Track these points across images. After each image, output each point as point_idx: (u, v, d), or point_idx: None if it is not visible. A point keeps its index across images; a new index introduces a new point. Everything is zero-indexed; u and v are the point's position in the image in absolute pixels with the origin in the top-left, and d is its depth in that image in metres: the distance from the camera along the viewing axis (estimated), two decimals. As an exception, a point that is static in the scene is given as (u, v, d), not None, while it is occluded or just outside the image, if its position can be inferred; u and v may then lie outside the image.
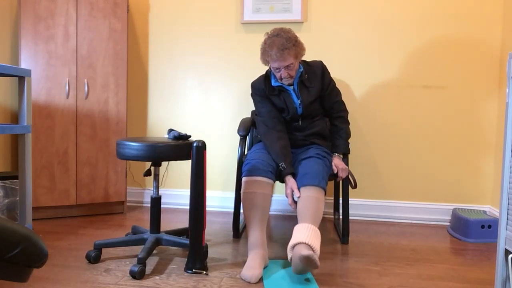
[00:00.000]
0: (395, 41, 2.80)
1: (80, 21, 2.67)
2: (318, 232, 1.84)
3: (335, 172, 2.17)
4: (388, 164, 2.85)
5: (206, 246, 1.97)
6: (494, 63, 2.70)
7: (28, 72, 2.13)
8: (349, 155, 2.56)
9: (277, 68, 2.09)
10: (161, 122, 3.11)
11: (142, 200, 3.16)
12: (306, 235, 1.77)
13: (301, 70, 2.21)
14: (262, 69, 2.95)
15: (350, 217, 2.89)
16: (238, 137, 3.02)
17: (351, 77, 2.86)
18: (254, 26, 2.94)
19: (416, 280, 1.80)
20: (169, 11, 3.05)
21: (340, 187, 2.78)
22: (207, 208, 3.07)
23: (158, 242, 1.96)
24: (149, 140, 1.95)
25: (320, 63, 2.30)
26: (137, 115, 3.14)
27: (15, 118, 2.85)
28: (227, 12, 2.98)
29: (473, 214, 2.51)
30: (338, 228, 2.56)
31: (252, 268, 1.77)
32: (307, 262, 1.65)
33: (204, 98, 3.04)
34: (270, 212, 3.00)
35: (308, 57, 2.90)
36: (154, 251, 2.12)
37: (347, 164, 2.35)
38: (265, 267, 1.89)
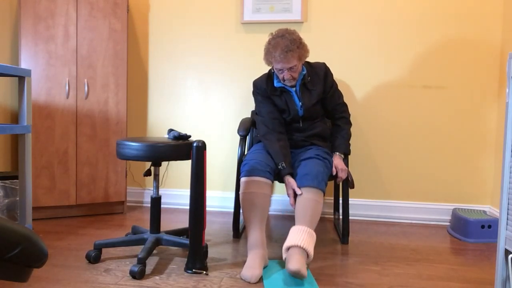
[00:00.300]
0: (395, 41, 2.80)
1: (80, 21, 2.67)
2: (314, 235, 1.86)
3: (335, 173, 2.15)
4: (388, 164, 2.85)
5: (206, 246, 1.97)
6: (494, 63, 2.70)
7: (28, 72, 2.13)
8: (349, 155, 2.56)
9: (280, 70, 2.09)
10: (161, 122, 3.11)
11: (142, 200, 3.16)
12: (301, 238, 1.79)
13: (304, 72, 2.20)
14: (262, 69, 2.95)
15: (350, 217, 2.89)
16: (238, 137, 3.02)
17: (351, 77, 2.86)
18: (254, 26, 2.94)
19: (416, 280, 1.80)
20: (169, 11, 3.05)
21: (340, 187, 2.78)
22: (207, 208, 3.07)
23: (158, 242, 1.96)
24: (149, 140, 1.95)
25: (323, 65, 2.29)
26: (137, 115, 3.14)
27: (15, 118, 2.85)
28: (227, 12, 2.98)
29: (473, 214, 2.51)
30: (338, 228, 2.56)
31: (252, 268, 1.77)
32: (295, 275, 1.68)
33: (204, 98, 3.04)
34: (270, 212, 3.00)
35: (308, 57, 2.90)
36: (154, 251, 2.12)
37: (347, 164, 2.35)
38: (265, 267, 1.90)
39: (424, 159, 2.81)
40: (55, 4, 2.61)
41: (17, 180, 2.41)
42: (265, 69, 2.94)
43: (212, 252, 2.12)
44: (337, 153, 2.25)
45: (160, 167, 3.11)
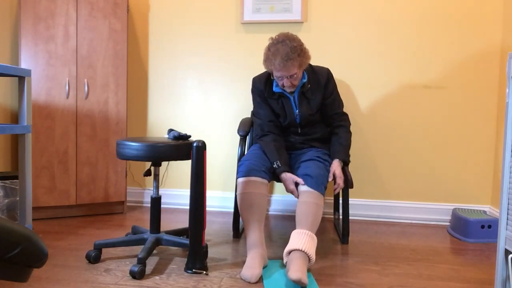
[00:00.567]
0: (395, 41, 2.80)
1: (80, 21, 2.67)
2: (315, 238, 1.85)
3: (331, 179, 2.08)
4: (388, 164, 2.85)
5: (206, 246, 1.97)
6: (494, 63, 2.70)
7: (28, 72, 2.13)
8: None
9: (279, 77, 2.04)
10: (161, 122, 3.11)
11: (142, 200, 3.16)
12: (302, 242, 1.78)
13: (304, 80, 2.13)
14: (262, 69, 2.95)
15: (350, 217, 2.89)
16: (238, 137, 3.02)
17: (351, 77, 2.86)
18: (254, 26, 2.94)
19: (416, 280, 1.80)
20: (169, 11, 3.05)
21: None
22: (207, 208, 3.07)
23: (158, 242, 1.96)
24: (149, 140, 1.95)
25: (327, 71, 2.22)
26: (137, 115, 3.14)
27: (15, 118, 2.85)
28: (227, 12, 2.98)
29: (473, 214, 2.51)
30: (338, 228, 2.56)
31: (251, 267, 1.77)
32: (295, 283, 1.66)
33: (204, 98, 3.04)
34: (270, 212, 3.00)
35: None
36: (154, 251, 2.12)
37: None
38: (264, 267, 1.90)
39: (424, 159, 2.81)
40: (55, 4, 2.61)
41: (17, 180, 2.41)
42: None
43: (212, 252, 2.12)
44: (336, 159, 2.16)
45: (160, 167, 3.11)
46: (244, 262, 1.97)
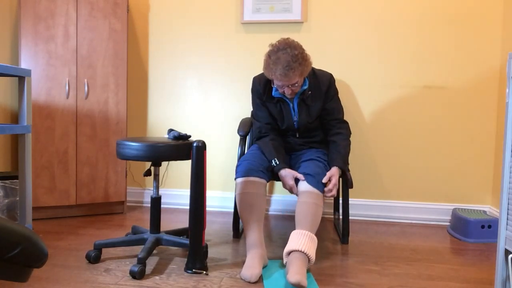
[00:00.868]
0: (395, 41, 2.80)
1: (80, 21, 2.67)
2: (315, 238, 1.85)
3: (325, 181, 1.98)
4: (388, 164, 2.85)
5: (206, 246, 1.97)
6: (494, 63, 2.70)
7: (28, 72, 2.13)
8: (349, 154, 2.53)
9: (280, 86, 2.00)
10: (161, 122, 3.11)
11: (142, 200, 3.16)
12: (302, 243, 1.78)
13: (305, 87, 2.09)
14: (262, 70, 2.95)
15: (350, 217, 2.89)
16: (238, 137, 3.02)
17: (351, 77, 2.86)
18: (254, 26, 2.94)
19: (416, 280, 1.80)
20: (169, 11, 3.05)
21: (340, 187, 2.78)
22: (207, 208, 3.07)
23: (158, 242, 1.96)
24: (149, 140, 1.95)
25: (329, 76, 2.17)
26: (137, 115, 3.14)
27: (15, 118, 2.85)
28: (227, 12, 2.98)
29: (473, 214, 2.51)
30: (338, 228, 2.56)
31: (251, 267, 1.77)
32: (295, 285, 1.64)
33: (204, 98, 3.04)
34: (270, 212, 3.00)
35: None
36: (154, 251, 2.12)
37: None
38: (264, 267, 1.89)
39: (424, 159, 2.81)
40: (55, 4, 2.61)
41: (17, 180, 2.41)
42: (265, 69, 2.93)
43: (212, 252, 2.12)
44: (335, 167, 2.05)
45: (160, 167, 3.11)
46: (244, 262, 1.97)
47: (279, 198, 2.99)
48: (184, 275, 1.80)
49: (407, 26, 2.78)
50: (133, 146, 1.85)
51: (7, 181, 2.38)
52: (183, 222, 2.70)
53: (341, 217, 2.60)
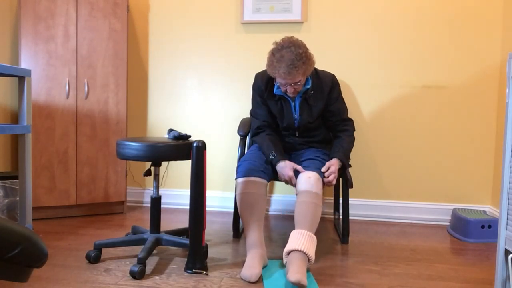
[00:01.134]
0: (395, 41, 2.80)
1: (80, 21, 2.67)
2: (315, 238, 1.85)
3: (325, 170, 2.00)
4: (388, 164, 2.85)
5: (206, 246, 1.97)
6: (494, 63, 2.70)
7: (28, 72, 2.13)
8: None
9: (283, 84, 2.00)
10: (161, 122, 3.11)
11: (142, 200, 3.16)
12: (301, 243, 1.78)
13: (308, 86, 2.09)
14: (262, 69, 2.95)
15: (350, 217, 2.89)
16: (238, 137, 3.02)
17: (351, 77, 2.86)
18: (254, 26, 2.94)
19: (416, 280, 1.80)
20: (169, 11, 3.05)
21: (340, 187, 2.78)
22: (207, 208, 3.07)
23: (158, 242, 1.96)
24: (149, 140, 1.95)
25: (331, 78, 2.16)
26: (137, 115, 3.14)
27: (15, 118, 2.85)
28: (227, 12, 2.98)
29: (473, 214, 2.51)
30: (338, 228, 2.56)
31: (251, 267, 1.77)
32: (295, 284, 1.65)
33: (204, 98, 3.04)
34: (270, 212, 3.00)
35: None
36: (154, 251, 2.12)
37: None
38: (264, 267, 1.90)
39: (424, 159, 2.81)
40: (55, 4, 2.61)
41: (17, 180, 2.41)
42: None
43: (212, 252, 2.12)
44: (334, 158, 2.08)
45: (160, 167, 3.12)
46: (244, 262, 1.97)
47: (279, 198, 2.99)
48: (184, 275, 1.80)
49: (407, 26, 2.78)
50: (133, 146, 1.86)
51: (7, 181, 2.38)
52: (183, 222, 2.70)
53: (341, 217, 2.60)
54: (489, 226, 2.40)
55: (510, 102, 1.43)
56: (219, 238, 2.37)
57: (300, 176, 1.98)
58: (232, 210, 3.00)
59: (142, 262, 1.78)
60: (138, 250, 2.13)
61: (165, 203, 3.13)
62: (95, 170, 2.74)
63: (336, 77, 2.87)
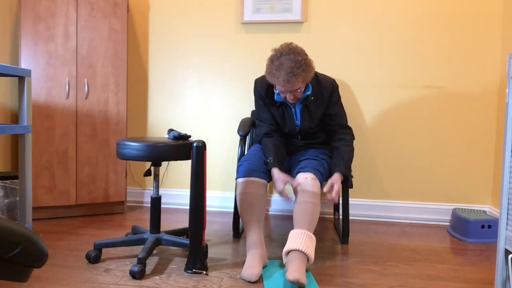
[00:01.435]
0: (395, 41, 2.80)
1: (80, 21, 2.67)
2: (313, 237, 1.85)
3: (326, 190, 1.95)
4: (388, 164, 2.85)
5: (206, 246, 1.97)
6: (494, 63, 2.70)
7: (28, 72, 2.13)
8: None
9: (283, 91, 1.98)
10: (161, 122, 3.11)
11: (142, 200, 3.16)
12: (300, 242, 1.78)
13: (308, 93, 2.06)
14: (262, 69, 2.95)
15: (350, 217, 2.89)
16: (238, 137, 3.02)
17: (351, 77, 2.86)
18: (254, 26, 2.94)
19: (416, 280, 1.80)
20: (169, 11, 3.05)
21: (340, 188, 2.78)
22: (207, 208, 3.07)
23: (158, 242, 1.96)
24: (149, 140, 1.95)
25: (332, 83, 2.13)
26: (137, 115, 3.14)
27: (15, 118, 2.85)
28: (227, 12, 2.98)
29: (473, 214, 2.51)
30: (338, 228, 2.56)
31: (251, 267, 1.78)
32: (293, 284, 1.65)
33: (204, 98, 3.04)
34: (270, 212, 3.00)
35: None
36: (154, 251, 2.12)
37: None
38: (264, 267, 1.90)
39: (424, 159, 2.81)
40: (55, 4, 2.61)
41: (17, 180, 2.41)
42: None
43: (212, 252, 2.12)
44: (336, 173, 2.02)
45: (160, 167, 3.12)
46: (244, 262, 1.97)
47: (279, 198, 2.99)
48: (184, 275, 1.80)
49: (407, 26, 2.78)
50: (133, 146, 1.86)
51: (7, 181, 2.38)
52: (183, 222, 2.70)
53: (341, 217, 2.60)
54: (489, 226, 2.40)
55: (510, 102, 1.43)
56: (219, 238, 2.37)
57: (298, 176, 1.98)
58: (232, 210, 3.00)
59: (142, 262, 1.78)
60: (138, 250, 2.13)
61: (165, 203, 3.13)
62: (95, 170, 2.74)
63: (336, 77, 2.88)
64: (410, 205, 2.82)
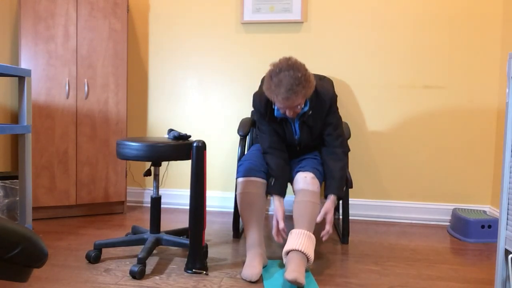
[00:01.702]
0: (395, 41, 2.80)
1: (80, 21, 2.67)
2: (313, 237, 1.84)
3: (319, 221, 1.88)
4: (388, 164, 2.85)
5: (206, 246, 1.97)
6: (494, 63, 2.70)
7: (28, 72, 2.13)
8: (349, 154, 2.50)
9: (282, 108, 1.92)
10: (161, 122, 3.11)
11: (142, 200, 3.16)
12: (300, 242, 1.78)
13: (306, 109, 2.01)
14: (262, 69, 2.95)
15: (350, 217, 2.89)
16: (238, 137, 3.02)
17: (351, 77, 2.86)
18: (254, 26, 2.94)
19: (416, 280, 1.80)
20: (169, 11, 3.05)
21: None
22: (207, 208, 3.07)
23: (158, 242, 1.96)
24: (149, 140, 1.95)
25: (330, 97, 2.06)
26: (137, 115, 3.14)
27: (15, 118, 2.85)
28: (227, 12, 2.98)
29: (473, 214, 2.51)
30: (338, 228, 2.56)
31: (251, 266, 1.78)
32: (292, 283, 1.64)
33: (204, 98, 3.04)
34: (270, 212, 3.00)
35: (308, 57, 2.90)
36: (154, 251, 2.12)
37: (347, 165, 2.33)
38: (264, 267, 1.90)
39: (424, 159, 2.81)
40: (55, 4, 2.61)
41: (17, 180, 2.41)
42: (265, 69, 2.94)
43: (212, 252, 2.12)
44: (330, 195, 1.96)
45: (160, 167, 3.11)
46: (244, 262, 1.97)
47: (279, 198, 2.98)
48: (184, 275, 1.80)
49: (407, 26, 2.78)
50: (133, 146, 1.86)
51: (7, 181, 2.38)
52: (183, 222, 2.70)
53: (341, 217, 2.60)
54: (489, 226, 2.40)
55: (510, 102, 1.43)
56: (219, 238, 2.37)
57: (297, 176, 1.98)
58: (232, 210, 3.00)
59: (142, 262, 1.78)
60: (138, 250, 2.13)
61: (165, 203, 3.13)
62: (95, 170, 2.74)
63: (336, 77, 2.88)
64: (410, 205, 2.82)
